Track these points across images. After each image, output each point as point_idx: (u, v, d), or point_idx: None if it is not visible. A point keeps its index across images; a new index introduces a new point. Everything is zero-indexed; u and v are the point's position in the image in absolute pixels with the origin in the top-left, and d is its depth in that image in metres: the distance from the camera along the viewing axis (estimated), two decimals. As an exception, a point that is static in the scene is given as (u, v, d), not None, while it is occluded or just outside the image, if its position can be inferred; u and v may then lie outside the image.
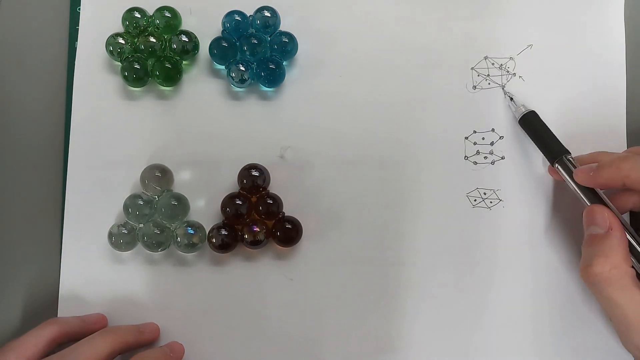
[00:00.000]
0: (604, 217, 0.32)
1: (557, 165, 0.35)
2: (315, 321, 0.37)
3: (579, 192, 0.34)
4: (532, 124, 0.36)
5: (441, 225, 0.38)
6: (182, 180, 0.39)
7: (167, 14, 0.39)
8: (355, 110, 0.39)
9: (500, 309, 0.37)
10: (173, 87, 0.39)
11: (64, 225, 0.38)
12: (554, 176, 0.37)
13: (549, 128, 0.36)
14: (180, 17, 0.39)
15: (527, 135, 0.37)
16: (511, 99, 0.38)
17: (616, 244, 0.31)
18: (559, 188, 0.38)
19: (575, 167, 0.34)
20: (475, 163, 0.38)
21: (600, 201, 0.33)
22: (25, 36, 0.40)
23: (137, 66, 0.38)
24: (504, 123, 0.38)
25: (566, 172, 0.35)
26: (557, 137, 0.36)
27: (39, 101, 0.40)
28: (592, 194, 0.34)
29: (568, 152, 0.35)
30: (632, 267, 0.31)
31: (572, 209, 0.37)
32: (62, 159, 0.39)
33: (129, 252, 0.38)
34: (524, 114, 0.37)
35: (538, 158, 0.38)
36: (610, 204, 0.33)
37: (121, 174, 0.39)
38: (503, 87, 0.38)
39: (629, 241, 0.32)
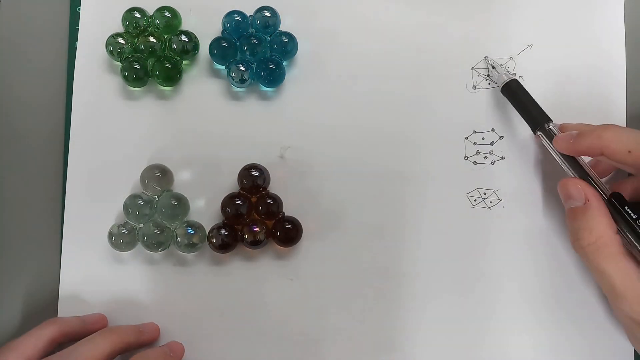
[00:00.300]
0: (578, 189, 0.32)
1: (539, 132, 0.35)
2: (315, 321, 0.37)
3: (558, 159, 0.34)
4: (514, 92, 0.36)
5: (441, 225, 0.38)
6: (182, 180, 0.39)
7: (167, 14, 0.39)
8: (355, 110, 0.39)
9: (500, 309, 0.37)
10: (173, 87, 0.39)
11: (64, 225, 0.38)
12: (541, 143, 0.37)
13: (531, 96, 0.36)
14: (180, 17, 0.39)
15: (527, 134, 0.37)
16: (493, 67, 0.38)
17: (596, 214, 0.32)
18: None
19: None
20: (475, 163, 0.38)
21: (581, 169, 0.33)
22: (25, 36, 0.40)
23: (137, 66, 0.38)
24: (504, 123, 0.38)
25: (548, 140, 0.34)
26: (540, 106, 0.36)
27: (39, 101, 0.40)
28: (573, 162, 0.34)
29: (550, 120, 0.35)
30: (618, 233, 0.32)
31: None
32: (62, 159, 0.39)
33: (129, 252, 0.38)
34: (506, 82, 0.36)
35: (538, 158, 0.38)
36: (591, 170, 0.33)
37: (121, 174, 0.39)
38: (486, 57, 0.38)
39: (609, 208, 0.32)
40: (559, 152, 0.34)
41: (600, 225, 0.31)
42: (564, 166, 0.34)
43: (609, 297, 0.32)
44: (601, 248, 0.31)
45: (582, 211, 0.32)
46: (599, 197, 0.32)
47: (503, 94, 0.37)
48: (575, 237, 0.32)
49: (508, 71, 0.37)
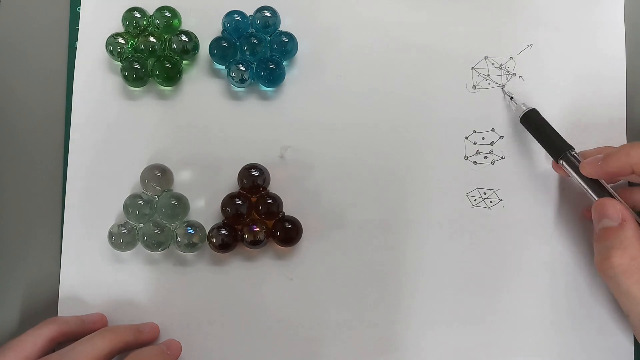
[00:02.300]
0: (615, 209, 0.32)
1: (561, 161, 0.35)
2: (315, 321, 0.37)
3: (585, 186, 0.34)
4: (534, 122, 0.36)
5: (441, 224, 0.38)
6: (182, 180, 0.39)
7: (167, 14, 0.39)
8: (355, 110, 0.39)
9: (500, 308, 0.37)
10: (173, 87, 0.39)
11: (64, 225, 0.38)
12: (559, 172, 0.37)
13: (550, 125, 0.36)
14: (180, 17, 0.39)
15: (528, 134, 0.37)
16: (511, 98, 0.38)
17: (631, 235, 0.31)
18: (559, 187, 0.38)
19: (579, 162, 0.34)
20: (475, 163, 0.38)
21: (608, 194, 0.33)
22: (25, 36, 0.40)
23: (137, 66, 0.38)
24: (504, 123, 0.38)
25: (571, 168, 0.34)
26: (560, 133, 0.36)
27: (39, 101, 0.40)
28: (599, 187, 0.33)
29: (572, 148, 0.35)
30: None
31: (573, 208, 0.37)
32: (62, 159, 0.39)
33: (129, 252, 0.38)
34: (525, 112, 0.37)
35: (538, 157, 0.38)
36: (617, 196, 0.33)
37: (121, 174, 0.39)
38: (503, 87, 0.38)
39: None
40: (585, 178, 0.34)
41: (636, 247, 0.31)
42: (590, 192, 0.34)
43: (636, 320, 0.32)
44: (632, 270, 0.31)
45: (616, 231, 0.32)
46: (634, 219, 0.32)
47: (522, 124, 0.37)
48: (603, 256, 0.32)
49: (524, 103, 0.37)
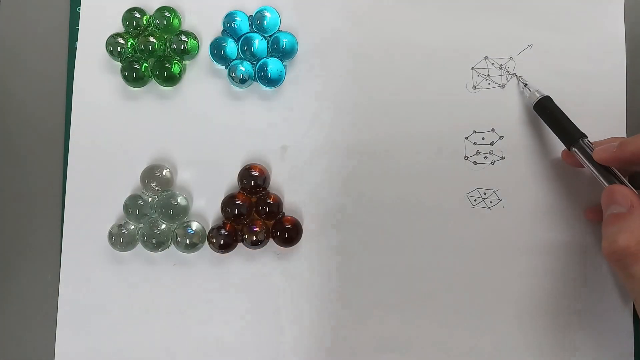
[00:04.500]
0: (624, 195, 0.32)
1: (574, 149, 0.35)
2: (315, 321, 0.37)
3: (596, 173, 0.34)
4: (547, 109, 0.36)
5: (441, 225, 0.38)
6: (182, 180, 0.39)
7: (167, 14, 0.39)
8: (355, 110, 0.39)
9: (499, 309, 0.37)
10: (173, 87, 0.39)
11: (64, 225, 0.38)
12: (568, 161, 0.37)
13: (564, 112, 0.36)
14: (180, 17, 0.39)
15: (529, 131, 0.37)
16: (525, 84, 0.38)
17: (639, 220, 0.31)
18: (560, 187, 0.38)
19: (592, 150, 0.34)
20: (475, 163, 0.38)
21: (619, 182, 0.33)
22: (25, 36, 0.40)
23: (137, 66, 0.38)
24: (504, 123, 0.38)
25: (584, 155, 0.34)
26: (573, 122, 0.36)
27: (39, 101, 0.40)
28: (610, 175, 0.33)
29: (585, 135, 0.35)
30: None
31: (574, 208, 0.37)
32: (62, 159, 0.39)
33: (129, 252, 0.38)
34: (539, 99, 0.37)
35: (538, 158, 0.38)
36: (628, 183, 0.33)
37: (121, 174, 0.39)
38: (515, 74, 0.38)
39: None
40: (597, 165, 0.34)
41: None
42: (601, 179, 0.34)
43: None
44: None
45: (625, 216, 0.32)
46: None
47: (535, 111, 0.37)
48: (611, 239, 0.32)
49: (538, 90, 0.37)
